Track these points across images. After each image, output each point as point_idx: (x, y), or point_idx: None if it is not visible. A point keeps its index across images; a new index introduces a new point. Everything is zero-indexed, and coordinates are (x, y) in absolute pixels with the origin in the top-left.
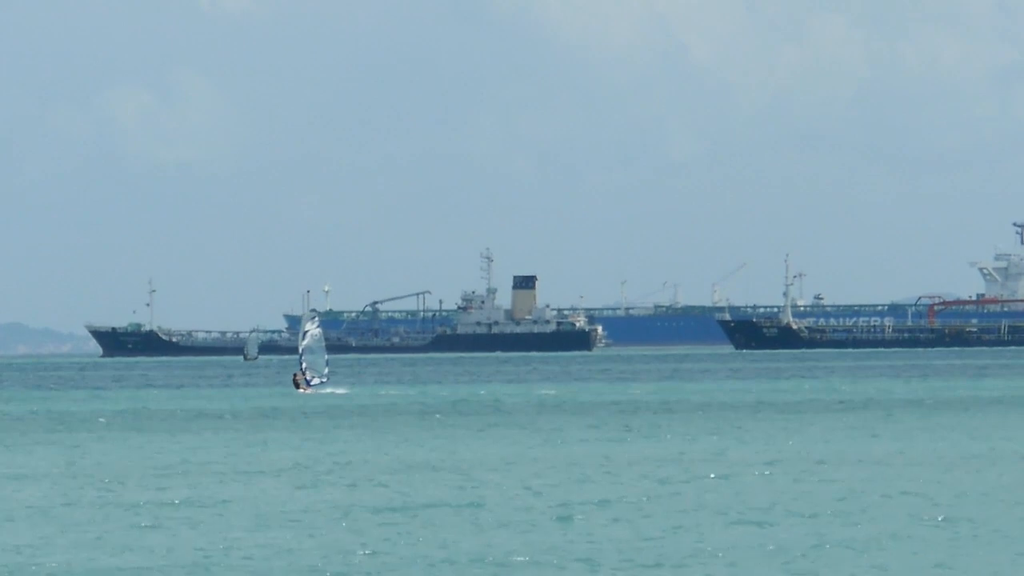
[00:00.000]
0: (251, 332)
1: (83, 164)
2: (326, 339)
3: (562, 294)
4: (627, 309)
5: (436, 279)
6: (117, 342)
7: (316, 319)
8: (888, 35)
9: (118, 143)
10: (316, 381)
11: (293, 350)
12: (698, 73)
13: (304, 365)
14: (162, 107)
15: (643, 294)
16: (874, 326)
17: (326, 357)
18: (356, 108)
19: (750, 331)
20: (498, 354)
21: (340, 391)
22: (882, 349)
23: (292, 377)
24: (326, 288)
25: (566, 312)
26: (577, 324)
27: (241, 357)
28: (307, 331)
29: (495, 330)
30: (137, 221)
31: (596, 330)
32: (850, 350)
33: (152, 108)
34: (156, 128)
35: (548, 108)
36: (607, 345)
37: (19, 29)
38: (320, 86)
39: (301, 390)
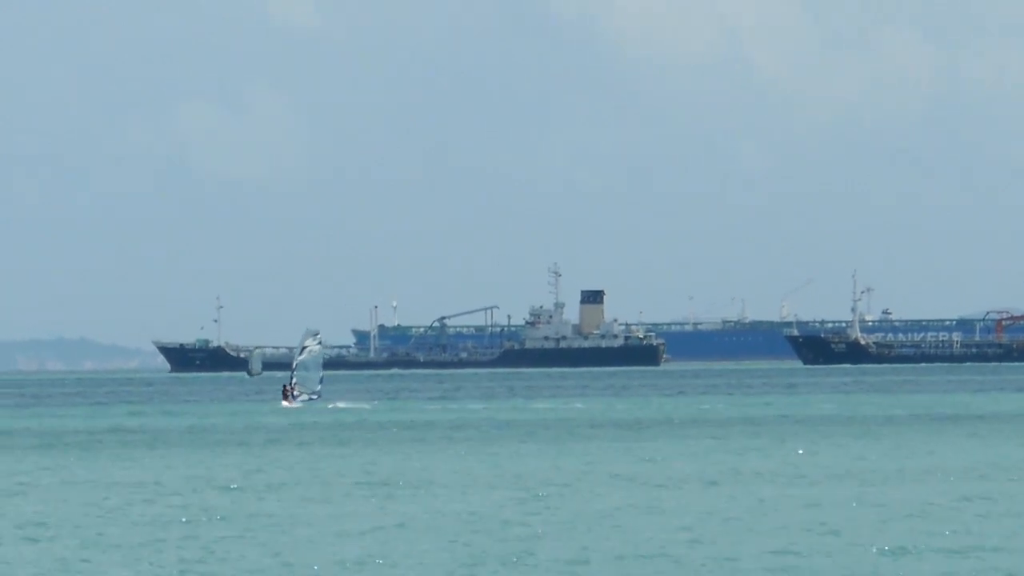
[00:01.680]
0: (255, 348)
1: (154, 179)
2: (394, 354)
3: (630, 309)
4: (695, 324)
5: (504, 294)
6: (185, 358)
7: (318, 336)
8: (956, 47)
9: (189, 158)
10: (303, 397)
11: (361, 365)
12: (766, 87)
13: (294, 380)
14: (233, 122)
15: (710, 309)
16: (942, 341)
17: (321, 375)
18: (424, 123)
19: (818, 346)
20: (566, 370)
21: (364, 405)
22: (950, 364)
23: (282, 388)
24: (394, 303)
25: (633, 327)
26: (644, 339)
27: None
28: (306, 347)
29: (563, 345)
30: (205, 237)
31: (663, 345)
32: (919, 365)
33: (223, 123)
34: (226, 143)
35: (616, 122)
36: (667, 360)
37: (93, 45)
38: (388, 100)
39: (286, 403)
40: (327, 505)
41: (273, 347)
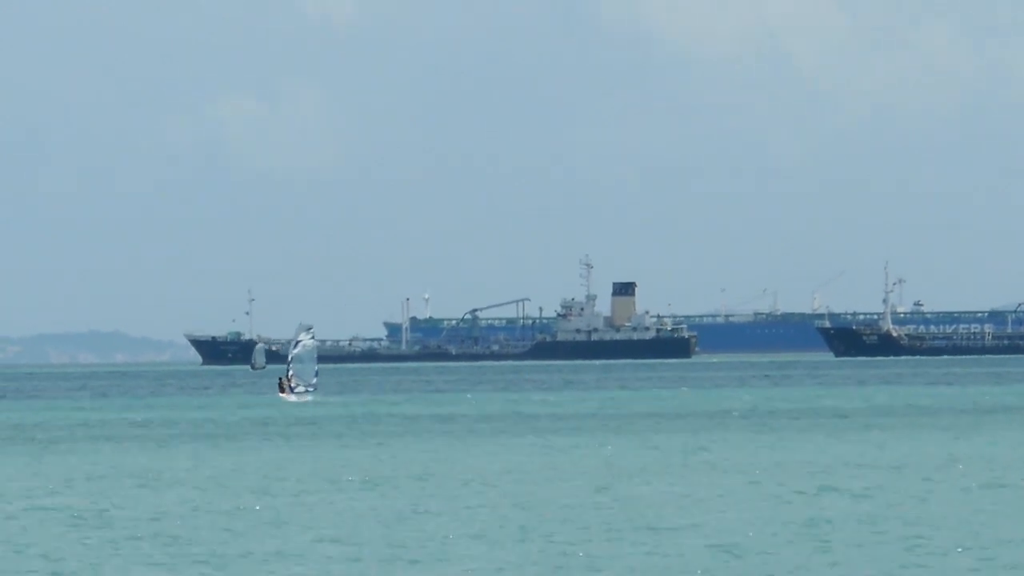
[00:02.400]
0: (258, 343)
1: (188, 173)
2: (426, 347)
3: (662, 302)
4: (726, 316)
5: (535, 286)
6: (217, 351)
7: (311, 330)
8: (993, 41)
9: (224, 152)
10: (300, 389)
11: (393, 358)
12: (801, 80)
13: (291, 373)
14: (268, 116)
15: (742, 301)
16: (974, 333)
17: (316, 368)
18: (457, 116)
19: (850, 338)
20: (598, 362)
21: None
22: (982, 356)
23: (278, 381)
24: (426, 296)
25: (665, 319)
26: (676, 332)
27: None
28: (300, 341)
29: (594, 337)
30: (237, 229)
31: (695, 337)
32: (951, 357)
33: (258, 117)
34: (261, 137)
35: (650, 114)
36: (697, 353)
37: (129, 40)
38: (423, 94)
39: (284, 395)
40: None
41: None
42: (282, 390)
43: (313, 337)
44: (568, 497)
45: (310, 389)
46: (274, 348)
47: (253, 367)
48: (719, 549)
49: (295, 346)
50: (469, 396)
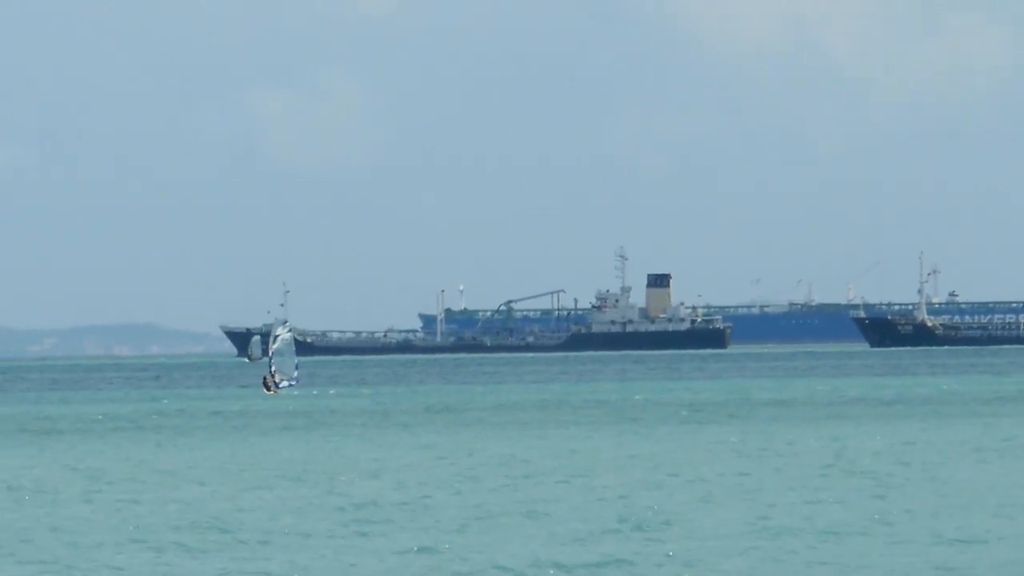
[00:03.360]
0: (255, 335)
1: (222, 164)
2: (461, 338)
3: (697, 292)
4: (761, 307)
5: (570, 278)
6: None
7: (287, 323)
8: None
9: (259, 144)
10: (284, 383)
11: (428, 349)
12: (835, 70)
13: (273, 368)
14: (304, 107)
15: (777, 292)
16: (1009, 323)
17: (296, 360)
18: (492, 107)
19: (885, 329)
20: (633, 353)
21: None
22: (1018, 346)
23: (262, 379)
24: (461, 287)
25: (699, 310)
26: (712, 323)
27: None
28: (277, 335)
29: (629, 328)
30: (272, 221)
31: (730, 328)
32: (986, 347)
33: (294, 109)
34: (297, 128)
35: (684, 105)
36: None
37: (165, 31)
38: (457, 85)
39: (270, 392)
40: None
41: (340, 332)
42: (267, 387)
43: (290, 330)
44: None
45: (292, 383)
46: (308, 340)
47: (250, 359)
48: None
49: (274, 340)
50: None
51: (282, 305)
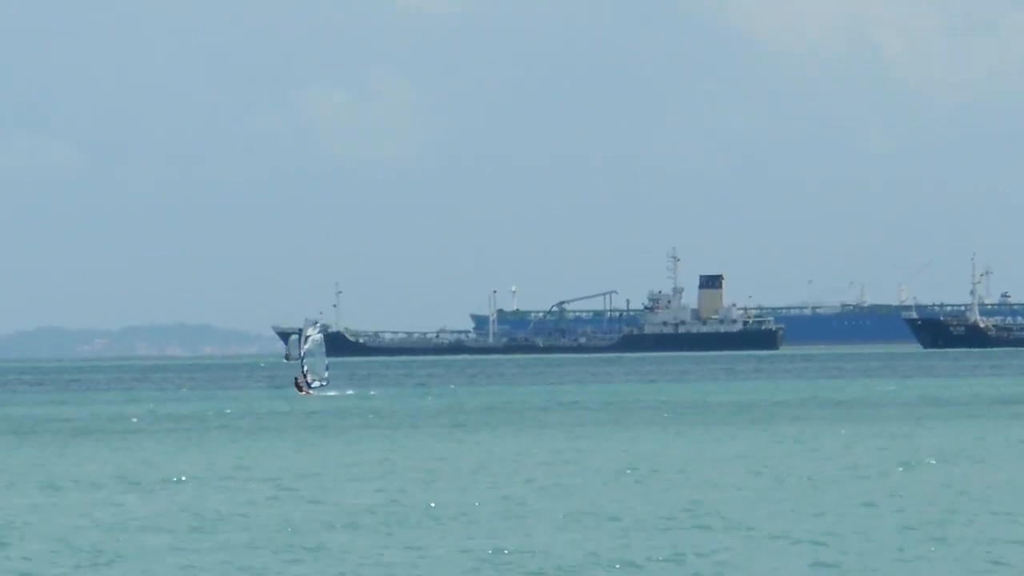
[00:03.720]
0: (293, 335)
1: (274, 164)
2: (513, 339)
3: (750, 293)
4: (813, 308)
5: (622, 278)
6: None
7: (318, 323)
8: None
9: (312, 142)
10: (316, 384)
11: (480, 350)
12: (890, 70)
13: (305, 368)
14: (357, 106)
15: (829, 293)
16: None
17: (326, 361)
18: (544, 105)
19: (937, 330)
20: (685, 354)
21: (349, 392)
22: None
23: (294, 380)
24: (513, 288)
25: (751, 311)
26: (764, 324)
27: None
28: (308, 336)
29: (681, 330)
30: (325, 221)
31: (782, 329)
32: None
33: (347, 107)
34: (350, 127)
35: (738, 105)
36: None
37: (218, 30)
38: (510, 84)
39: (302, 393)
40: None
41: (392, 332)
42: (299, 387)
43: (320, 331)
44: None
45: (324, 383)
46: (361, 340)
47: (287, 358)
48: None
49: (304, 341)
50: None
51: (334, 306)
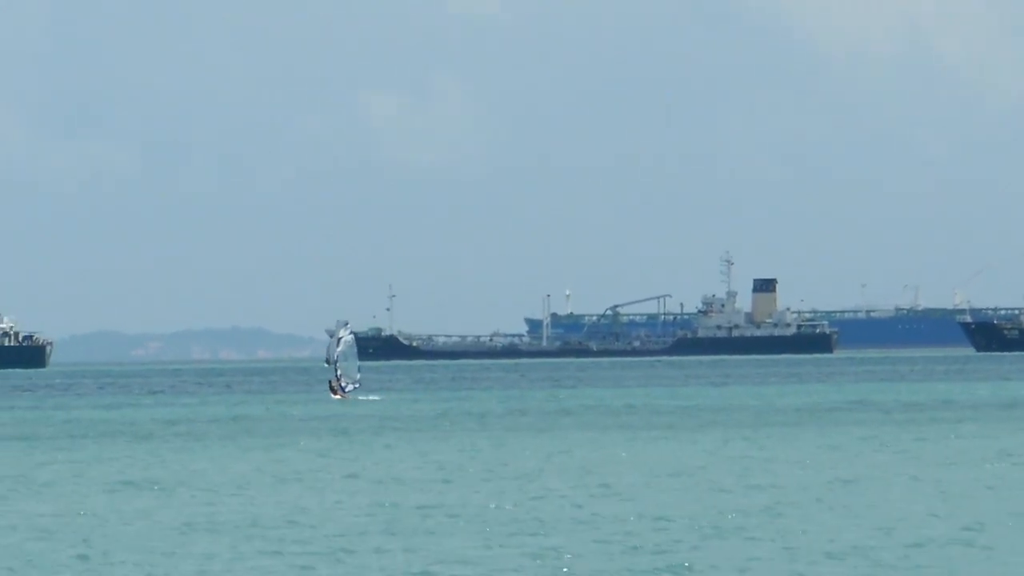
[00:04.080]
0: (333, 338)
1: (333, 168)
2: (567, 343)
3: (804, 297)
4: (867, 312)
5: (676, 282)
6: (357, 347)
7: (348, 325)
8: None
9: (368, 146)
10: (350, 387)
11: (534, 353)
12: (946, 74)
13: (339, 372)
14: (414, 111)
15: (883, 297)
16: None
17: (358, 363)
18: (600, 109)
19: (991, 333)
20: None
21: (373, 397)
22: None
23: (328, 383)
24: (567, 292)
25: (805, 314)
26: (818, 328)
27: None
28: (340, 338)
29: (735, 333)
30: (380, 224)
31: (836, 333)
32: None
33: (404, 112)
34: (406, 132)
35: (792, 108)
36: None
37: (277, 35)
38: (565, 88)
39: (336, 396)
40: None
41: (446, 336)
42: (333, 391)
43: (352, 332)
44: None
45: (356, 385)
46: (414, 344)
47: (328, 362)
48: None
49: (337, 344)
50: None
51: (388, 309)
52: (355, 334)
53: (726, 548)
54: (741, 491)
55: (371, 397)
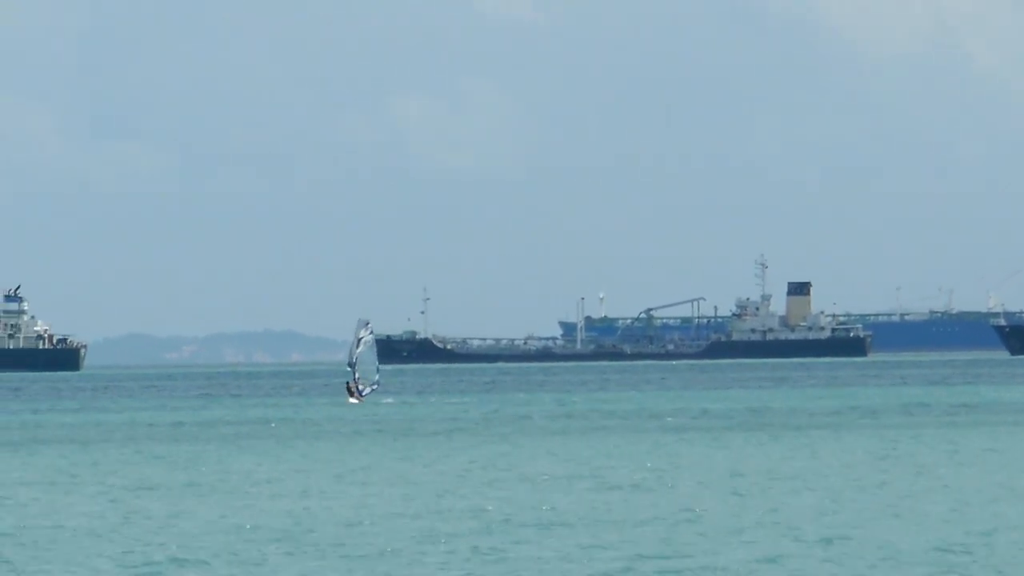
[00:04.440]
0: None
1: (367, 171)
2: (601, 346)
3: (837, 300)
4: (902, 315)
5: (710, 285)
6: (392, 350)
7: (369, 325)
8: None
9: (402, 150)
10: (367, 390)
11: (568, 357)
12: (981, 78)
13: (357, 375)
14: (448, 114)
15: (917, 300)
16: None
17: (377, 365)
18: (633, 114)
19: None
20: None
21: (387, 400)
22: None
23: (345, 385)
24: (601, 295)
25: (841, 318)
26: (852, 331)
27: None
28: (361, 338)
29: (769, 337)
30: (413, 227)
31: (870, 336)
32: None
33: (438, 115)
34: (440, 135)
35: (825, 112)
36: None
37: (309, 40)
38: (598, 93)
39: (353, 399)
40: None
41: (480, 339)
42: (351, 393)
43: (372, 332)
44: None
45: (374, 387)
46: (448, 347)
47: (350, 366)
48: None
49: (357, 345)
50: None
51: (422, 312)
52: (390, 337)
53: None
54: None
55: (387, 400)
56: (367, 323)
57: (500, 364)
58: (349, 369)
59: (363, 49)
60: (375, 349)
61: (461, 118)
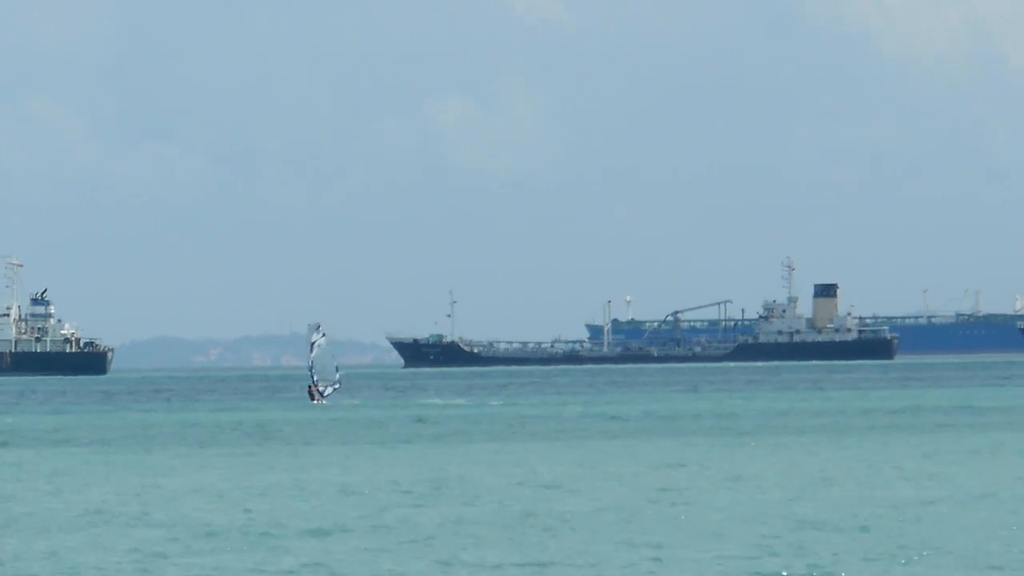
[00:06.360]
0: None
1: (399, 175)
2: (628, 348)
3: (864, 302)
4: (928, 317)
5: (737, 288)
6: (418, 353)
7: (320, 328)
8: None
9: (436, 153)
10: (329, 391)
11: (595, 360)
12: (1013, 80)
13: (316, 377)
14: (482, 118)
15: (944, 302)
16: None
17: (335, 363)
18: (664, 117)
19: None
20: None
21: (354, 401)
22: None
23: (307, 389)
24: (628, 298)
25: (867, 320)
26: (879, 332)
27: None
28: (313, 342)
29: (796, 339)
30: (442, 231)
31: (897, 338)
32: None
33: (472, 119)
34: (473, 139)
35: (858, 115)
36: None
37: (346, 44)
38: (631, 95)
39: (315, 401)
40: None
41: (507, 342)
42: (312, 396)
43: (324, 335)
44: None
45: (335, 386)
46: (475, 350)
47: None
48: None
49: (312, 349)
50: None
51: (449, 315)
52: (416, 340)
53: None
54: None
55: (354, 401)
56: (318, 326)
57: (529, 367)
58: (309, 373)
59: (400, 53)
60: (330, 351)
61: (495, 122)
